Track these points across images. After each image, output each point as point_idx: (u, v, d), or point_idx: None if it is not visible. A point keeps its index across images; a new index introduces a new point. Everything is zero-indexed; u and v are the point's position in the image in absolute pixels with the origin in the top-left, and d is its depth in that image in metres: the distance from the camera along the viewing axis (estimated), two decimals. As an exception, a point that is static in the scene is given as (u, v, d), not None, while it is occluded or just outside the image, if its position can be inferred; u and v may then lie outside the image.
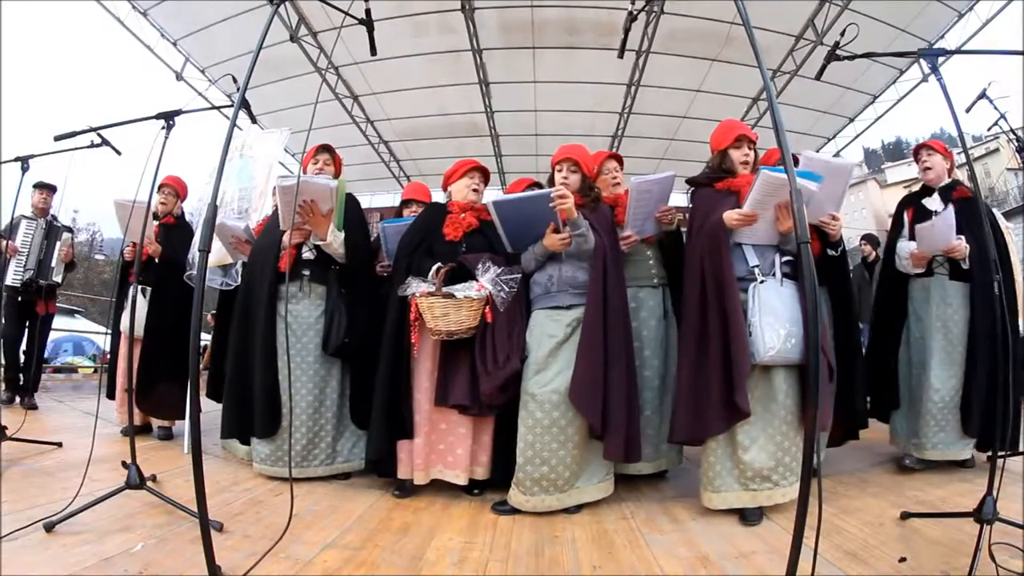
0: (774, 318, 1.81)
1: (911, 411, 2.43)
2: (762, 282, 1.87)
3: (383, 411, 2.09)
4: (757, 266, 1.91)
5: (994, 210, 2.82)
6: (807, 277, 1.16)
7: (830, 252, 2.26)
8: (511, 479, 1.95)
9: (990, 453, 2.16)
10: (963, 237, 2.26)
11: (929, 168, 2.47)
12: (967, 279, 2.33)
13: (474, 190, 2.30)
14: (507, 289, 1.98)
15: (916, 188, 2.62)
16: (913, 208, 2.50)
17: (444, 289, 1.96)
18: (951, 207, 2.30)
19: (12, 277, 3.55)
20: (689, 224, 2.11)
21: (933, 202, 2.45)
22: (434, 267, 2.04)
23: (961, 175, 2.60)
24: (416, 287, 2.00)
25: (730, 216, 1.88)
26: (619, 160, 2.52)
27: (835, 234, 2.19)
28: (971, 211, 2.33)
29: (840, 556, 1.49)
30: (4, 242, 3.35)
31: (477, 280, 2.00)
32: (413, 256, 2.17)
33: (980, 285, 2.26)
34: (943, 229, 2.26)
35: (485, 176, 2.37)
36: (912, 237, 2.45)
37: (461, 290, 1.96)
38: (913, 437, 2.39)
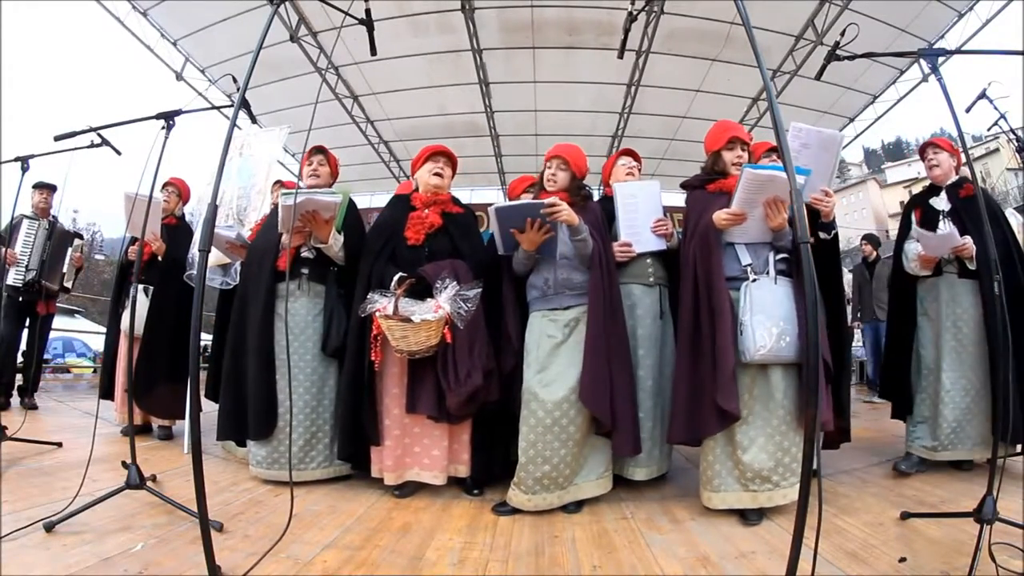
0: (766, 316, 1.79)
1: (926, 414, 2.37)
2: (754, 280, 1.87)
3: (346, 421, 2.13)
4: (750, 265, 1.90)
5: (1007, 208, 2.78)
6: (807, 277, 1.15)
7: (822, 235, 2.18)
8: (492, 473, 1.96)
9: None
10: (968, 238, 2.23)
11: (936, 166, 2.43)
12: (977, 277, 2.27)
13: (436, 174, 2.23)
14: (467, 307, 1.95)
15: (923, 187, 2.59)
16: (920, 208, 2.46)
17: (401, 312, 1.92)
18: (954, 229, 2.26)
19: (13, 278, 3.56)
20: (683, 226, 2.11)
21: (940, 201, 2.41)
22: (395, 278, 2.01)
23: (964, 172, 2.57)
24: (376, 304, 1.96)
25: (718, 216, 1.88)
26: (631, 154, 2.50)
27: (828, 213, 2.12)
28: (978, 208, 2.31)
29: (840, 556, 1.49)
30: (3, 250, 3.35)
31: (435, 299, 1.96)
32: (375, 264, 2.15)
33: (990, 283, 2.22)
34: (944, 241, 2.24)
35: (451, 160, 2.30)
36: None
37: (418, 314, 1.92)
38: (927, 439, 2.35)
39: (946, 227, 2.30)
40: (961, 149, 1.79)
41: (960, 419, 2.27)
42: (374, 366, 2.06)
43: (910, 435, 2.45)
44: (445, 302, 1.94)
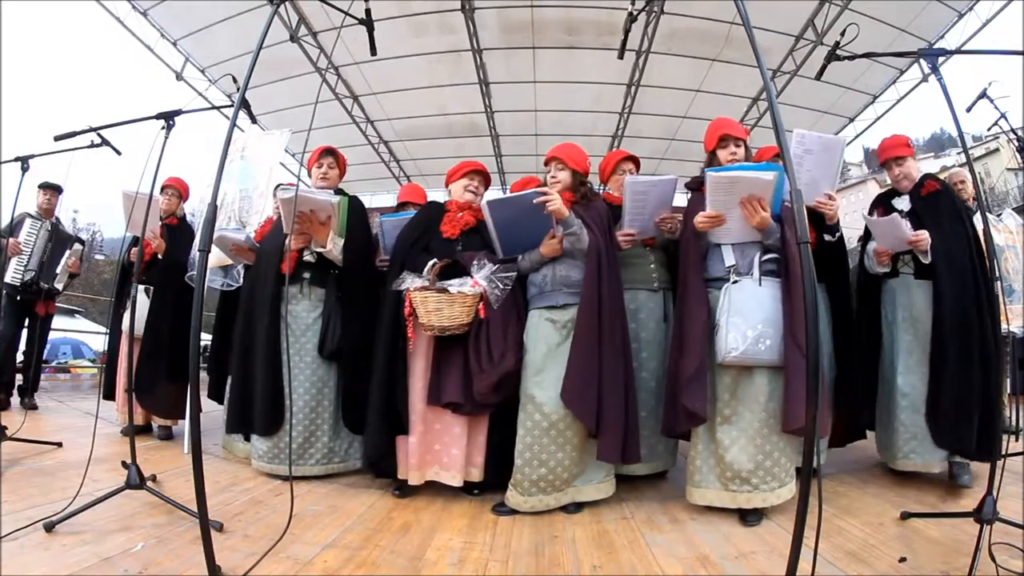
0: (742, 319, 1.78)
1: (884, 419, 2.31)
2: (735, 282, 1.85)
3: (380, 408, 2.07)
4: (733, 266, 1.89)
5: (1006, 209, 2.75)
6: (806, 276, 1.15)
7: (827, 238, 2.17)
8: (506, 480, 1.94)
9: (963, 460, 2.12)
10: (924, 231, 2.15)
11: (904, 178, 2.35)
12: (933, 277, 2.18)
13: (471, 191, 2.30)
14: (502, 287, 1.97)
15: (886, 189, 2.52)
16: (883, 209, 2.41)
17: (438, 284, 1.96)
18: (897, 214, 2.21)
19: (12, 275, 3.53)
20: (682, 228, 2.12)
21: (902, 202, 2.35)
22: (429, 263, 2.03)
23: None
24: (411, 282, 2.00)
25: (697, 219, 1.89)
26: (635, 161, 2.50)
27: (832, 216, 2.13)
28: (938, 205, 2.26)
29: (840, 556, 1.49)
30: (6, 240, 3.34)
31: (472, 276, 1.99)
32: (410, 252, 2.17)
33: (946, 282, 2.13)
34: (892, 227, 2.18)
35: (485, 180, 2.37)
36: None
37: (455, 285, 1.96)
38: (885, 448, 2.29)
39: (896, 214, 2.26)
40: (961, 148, 1.78)
41: (919, 424, 2.17)
42: (408, 344, 2.04)
43: (879, 444, 2.37)
44: (482, 279, 1.97)
